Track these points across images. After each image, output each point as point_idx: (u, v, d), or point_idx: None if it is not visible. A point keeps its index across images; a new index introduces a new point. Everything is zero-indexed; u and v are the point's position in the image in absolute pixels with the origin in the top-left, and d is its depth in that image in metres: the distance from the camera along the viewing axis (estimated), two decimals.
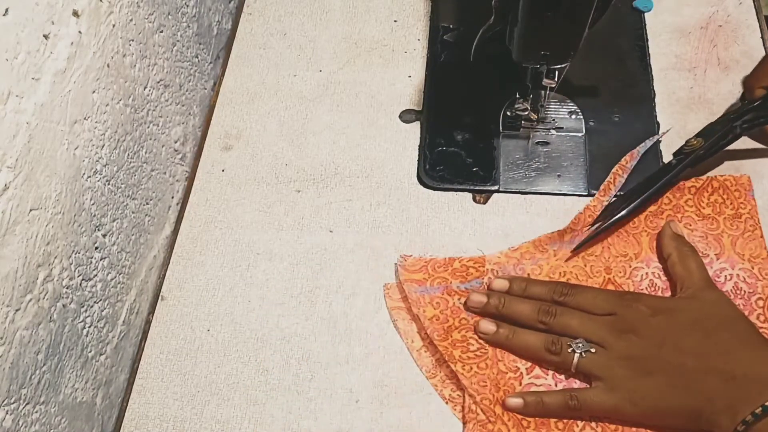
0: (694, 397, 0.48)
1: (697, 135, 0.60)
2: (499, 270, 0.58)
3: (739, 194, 0.59)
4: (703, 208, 0.59)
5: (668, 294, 0.56)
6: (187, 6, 0.67)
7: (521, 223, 0.61)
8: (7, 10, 0.42)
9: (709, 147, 0.59)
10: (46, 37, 0.46)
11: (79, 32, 0.50)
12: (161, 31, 0.62)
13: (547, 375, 0.54)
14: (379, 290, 0.59)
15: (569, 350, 0.52)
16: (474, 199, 0.63)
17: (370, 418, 0.54)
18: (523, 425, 0.52)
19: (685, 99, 0.67)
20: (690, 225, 0.59)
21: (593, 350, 0.51)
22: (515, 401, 0.52)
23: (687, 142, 0.60)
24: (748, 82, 0.61)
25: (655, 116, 0.66)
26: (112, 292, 0.57)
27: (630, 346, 0.50)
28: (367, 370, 0.56)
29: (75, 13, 0.49)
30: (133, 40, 0.57)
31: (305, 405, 0.55)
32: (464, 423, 0.52)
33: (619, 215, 0.58)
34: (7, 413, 0.45)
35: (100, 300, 0.56)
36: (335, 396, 0.55)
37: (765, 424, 0.45)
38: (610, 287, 0.57)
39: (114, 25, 0.54)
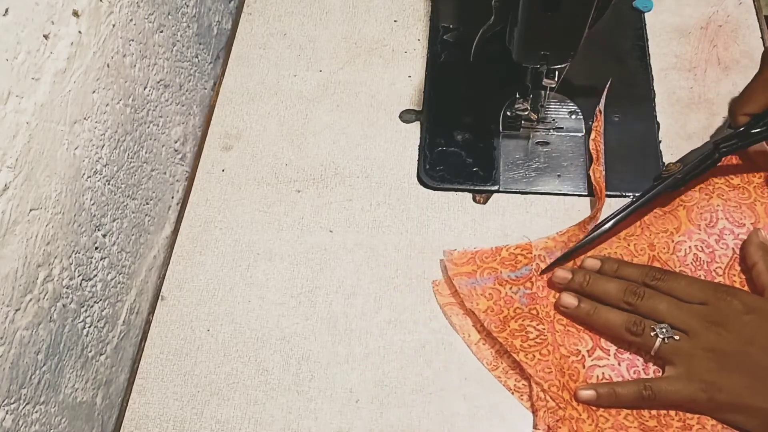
0: None
1: (678, 161, 0.60)
2: (547, 255, 0.58)
3: (766, 161, 0.59)
4: (732, 178, 0.60)
5: (714, 266, 0.56)
6: (187, 6, 0.67)
7: (521, 223, 0.61)
8: (7, 10, 0.42)
9: (688, 171, 0.58)
10: (46, 37, 0.46)
11: (79, 32, 0.50)
12: (161, 31, 0.62)
13: (609, 355, 0.54)
14: (379, 290, 0.59)
15: (652, 333, 0.51)
16: (474, 199, 0.63)
17: (370, 418, 0.54)
18: (593, 409, 0.52)
19: (685, 99, 0.67)
20: (723, 195, 0.59)
21: (677, 337, 0.51)
22: (588, 393, 0.52)
23: (666, 166, 0.60)
24: (732, 109, 0.61)
25: (655, 116, 0.66)
26: (112, 292, 0.57)
27: (718, 339, 0.50)
28: (367, 370, 0.56)
29: (75, 13, 0.49)
30: (133, 40, 0.57)
31: (305, 405, 0.55)
32: (534, 411, 0.52)
33: (591, 235, 0.58)
34: (7, 413, 0.45)
35: (100, 300, 0.56)
36: (335, 396, 0.55)
37: None
38: (657, 264, 0.57)
39: (114, 25, 0.54)
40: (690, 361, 0.50)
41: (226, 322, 0.59)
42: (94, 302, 0.55)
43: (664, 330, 0.51)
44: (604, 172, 0.61)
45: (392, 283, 0.60)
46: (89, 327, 0.54)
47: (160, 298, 0.60)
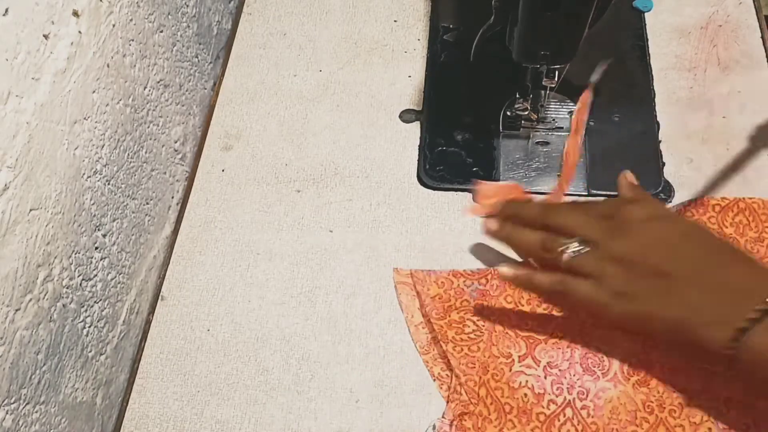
0: (681, 307, 0.47)
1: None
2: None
3: (766, 218, 0.59)
4: (726, 227, 0.59)
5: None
6: (187, 6, 0.67)
7: None
8: (7, 10, 0.42)
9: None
10: (46, 37, 0.46)
11: (79, 32, 0.50)
12: (161, 31, 0.62)
13: (539, 367, 0.54)
14: (379, 290, 0.59)
15: (560, 249, 0.51)
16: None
17: (370, 418, 0.54)
18: (505, 410, 0.52)
19: (685, 99, 0.67)
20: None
21: (584, 250, 0.50)
22: (507, 270, 0.53)
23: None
24: None
25: (655, 116, 0.66)
26: (112, 292, 0.57)
27: (622, 247, 0.49)
28: (367, 370, 0.56)
29: (75, 13, 0.49)
30: (133, 40, 0.57)
31: (305, 405, 0.55)
32: (447, 401, 0.53)
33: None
34: (7, 413, 0.45)
35: (100, 300, 0.56)
36: (335, 396, 0.55)
37: (762, 329, 0.44)
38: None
39: (114, 25, 0.54)
40: (600, 270, 0.50)
41: (226, 322, 0.59)
42: (94, 302, 0.55)
43: (574, 245, 0.51)
44: (580, 144, 0.59)
45: (392, 283, 0.60)
46: (89, 327, 0.54)
47: (160, 298, 0.60)
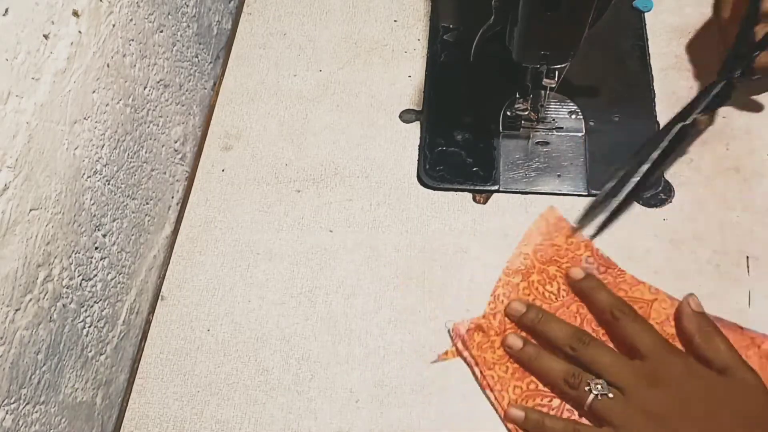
0: None
1: (701, 111, 0.60)
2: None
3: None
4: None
5: None
6: (187, 6, 0.67)
7: (521, 223, 0.61)
8: (7, 10, 0.42)
9: (709, 105, 0.59)
10: (46, 37, 0.46)
11: (79, 32, 0.50)
12: (161, 31, 0.62)
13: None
14: (379, 290, 0.59)
15: (586, 388, 0.50)
16: (474, 199, 0.63)
17: (370, 418, 0.54)
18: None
19: (685, 99, 0.66)
20: None
21: (611, 395, 0.49)
22: (517, 413, 0.52)
23: (697, 121, 0.60)
24: (721, 20, 0.61)
25: (655, 116, 0.66)
26: (112, 292, 0.57)
27: (653, 401, 0.48)
28: (367, 370, 0.56)
29: (75, 13, 0.49)
30: (133, 40, 0.57)
31: (305, 405, 0.55)
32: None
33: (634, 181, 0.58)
34: (7, 413, 0.45)
35: (100, 300, 0.56)
36: (335, 396, 0.55)
37: None
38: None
39: (114, 25, 0.54)
40: (624, 421, 0.48)
41: (226, 322, 0.59)
42: (94, 302, 0.55)
43: (599, 386, 0.50)
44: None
45: (392, 283, 0.60)
46: (89, 327, 0.54)
47: (160, 298, 0.60)
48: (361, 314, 0.58)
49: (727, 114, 0.66)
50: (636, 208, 0.61)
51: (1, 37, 0.42)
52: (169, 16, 0.63)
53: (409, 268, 0.60)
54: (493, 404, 0.54)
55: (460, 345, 0.56)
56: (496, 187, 0.63)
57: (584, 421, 0.52)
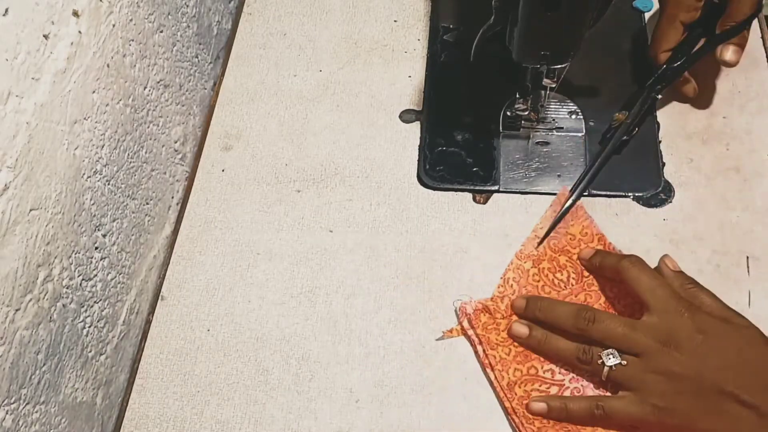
0: (724, 426, 0.48)
1: (621, 109, 0.64)
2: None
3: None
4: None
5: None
6: (187, 6, 0.67)
7: (521, 223, 0.61)
8: (7, 10, 0.42)
9: (635, 115, 0.63)
10: (46, 37, 0.46)
11: (79, 32, 0.50)
12: (161, 31, 0.62)
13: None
14: (379, 290, 0.59)
15: (599, 361, 0.51)
16: (474, 199, 0.63)
17: (370, 418, 0.54)
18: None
19: (685, 99, 0.67)
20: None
21: (624, 362, 0.50)
22: (539, 405, 0.52)
23: (612, 117, 0.64)
24: (651, 52, 0.64)
25: (655, 116, 0.66)
26: (112, 292, 0.57)
27: (670, 361, 0.49)
28: (367, 370, 0.56)
29: (75, 13, 0.49)
30: (133, 40, 0.57)
31: (305, 405, 0.55)
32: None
33: (568, 203, 0.60)
34: (7, 413, 0.45)
35: (100, 300, 0.56)
36: (335, 396, 0.55)
37: None
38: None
39: (114, 25, 0.54)
40: (641, 385, 0.50)
41: (226, 322, 0.59)
42: (94, 302, 0.55)
43: (611, 357, 0.51)
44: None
45: (392, 283, 0.60)
46: (89, 327, 0.54)
47: (160, 298, 0.60)
48: (361, 314, 0.58)
49: (727, 114, 0.66)
50: (636, 208, 0.62)
51: (1, 37, 0.42)
52: (169, 16, 0.63)
53: (409, 268, 0.60)
54: (492, 383, 0.55)
55: (465, 323, 0.56)
56: (496, 187, 0.63)
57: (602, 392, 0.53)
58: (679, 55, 0.63)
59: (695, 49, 0.62)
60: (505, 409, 0.53)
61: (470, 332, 0.56)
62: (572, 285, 0.58)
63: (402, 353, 0.57)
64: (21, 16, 0.44)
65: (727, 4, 0.59)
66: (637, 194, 0.62)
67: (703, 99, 0.66)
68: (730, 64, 0.60)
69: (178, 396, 0.56)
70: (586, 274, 0.58)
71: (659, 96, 0.63)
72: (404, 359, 0.56)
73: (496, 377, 0.54)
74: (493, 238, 0.61)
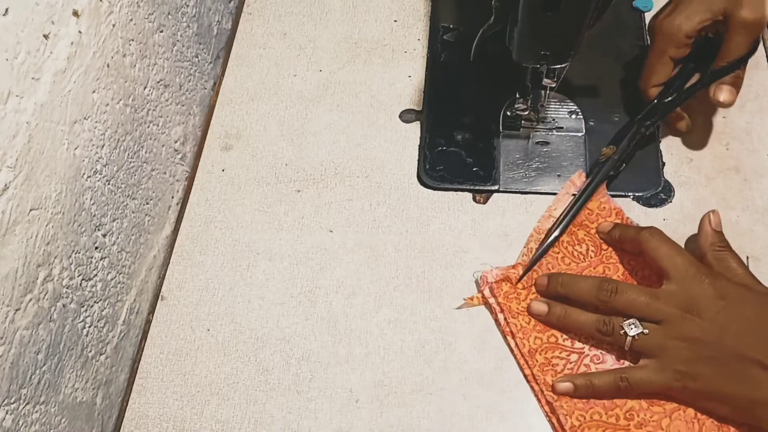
0: (745, 390, 0.49)
1: (609, 143, 0.62)
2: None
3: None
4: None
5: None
6: (187, 6, 0.67)
7: (521, 223, 0.61)
8: (7, 10, 0.42)
9: (622, 151, 0.61)
10: (46, 37, 0.46)
11: (79, 32, 0.50)
12: (161, 31, 0.62)
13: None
14: (379, 290, 0.59)
15: (621, 332, 0.52)
16: (474, 199, 0.63)
17: (370, 418, 0.54)
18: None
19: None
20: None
21: (646, 331, 0.51)
22: (565, 385, 0.53)
23: (601, 152, 0.62)
24: (641, 86, 0.63)
25: None
26: (112, 292, 0.57)
27: (692, 327, 0.50)
28: (367, 370, 0.56)
29: (75, 13, 0.49)
30: (133, 40, 0.57)
31: (305, 405, 0.55)
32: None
33: (553, 236, 0.59)
34: (7, 413, 0.45)
35: (100, 300, 0.56)
36: (335, 396, 0.55)
37: None
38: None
39: (114, 25, 0.54)
40: (663, 352, 0.50)
41: (226, 322, 0.59)
42: (94, 302, 0.55)
43: (632, 327, 0.51)
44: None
45: (392, 283, 0.60)
46: (89, 327, 0.54)
47: (160, 298, 0.60)
48: (361, 314, 0.58)
49: (727, 114, 0.66)
50: (636, 208, 0.62)
51: (1, 37, 0.42)
52: (169, 16, 0.63)
53: (409, 268, 0.60)
54: (512, 350, 0.56)
55: (486, 292, 0.57)
56: (496, 187, 0.63)
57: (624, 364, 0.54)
58: (671, 90, 0.61)
59: (688, 85, 0.61)
60: (525, 376, 0.55)
61: (491, 300, 0.57)
62: (591, 257, 0.58)
63: (402, 353, 0.57)
64: (21, 16, 0.44)
65: (721, 41, 0.58)
66: (637, 194, 0.62)
67: (702, 99, 0.66)
68: (725, 105, 0.59)
69: (178, 396, 0.56)
70: (604, 246, 0.59)
71: (648, 132, 0.62)
72: (404, 359, 0.56)
73: (517, 344, 0.55)
74: (493, 238, 0.61)
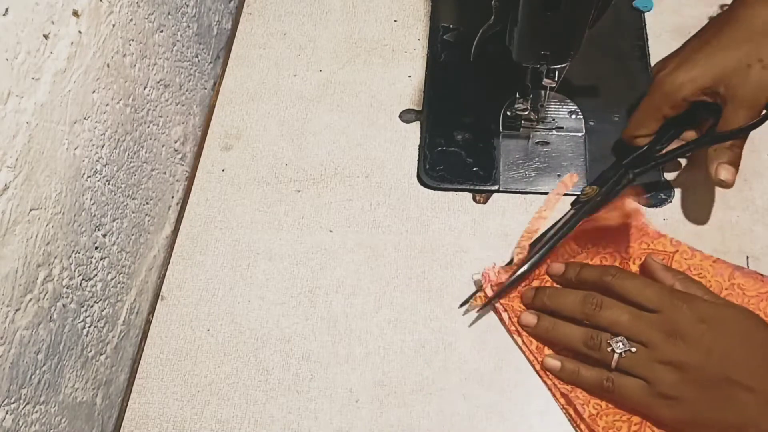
0: (737, 415, 0.48)
1: (592, 183, 0.61)
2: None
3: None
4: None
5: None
6: (187, 6, 0.67)
7: (521, 223, 0.61)
8: (7, 10, 0.42)
9: (606, 193, 0.59)
10: (46, 37, 0.46)
11: (79, 32, 0.50)
12: (161, 31, 0.62)
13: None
14: (379, 290, 0.59)
15: (608, 349, 0.51)
16: (474, 199, 0.63)
17: (370, 418, 0.54)
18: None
19: None
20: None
21: (634, 349, 0.51)
22: (553, 363, 0.54)
23: (582, 190, 0.61)
24: (626, 135, 0.61)
25: None
26: (112, 292, 0.57)
27: (676, 351, 0.50)
28: (367, 370, 0.56)
29: (75, 13, 0.49)
30: (133, 40, 0.57)
31: (305, 405, 0.55)
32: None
33: (523, 269, 0.58)
34: (7, 413, 0.45)
35: (100, 300, 0.56)
36: (335, 396, 0.55)
37: None
38: None
39: (114, 25, 0.54)
40: (651, 373, 0.50)
41: (226, 322, 0.59)
42: (94, 302, 0.55)
43: (620, 344, 0.51)
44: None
45: (392, 283, 0.60)
46: (89, 327, 0.54)
47: (160, 298, 0.60)
48: (361, 314, 0.58)
49: None
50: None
51: (1, 37, 0.42)
52: (169, 16, 0.63)
53: (409, 268, 0.60)
54: (520, 347, 0.56)
55: (489, 290, 0.57)
56: (496, 187, 0.63)
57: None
58: (663, 140, 0.60)
59: (680, 143, 0.60)
60: (537, 372, 0.55)
61: (494, 300, 0.57)
62: (588, 247, 0.59)
63: (402, 353, 0.57)
64: (21, 16, 0.44)
65: (720, 107, 0.56)
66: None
67: None
68: (726, 185, 0.56)
69: (178, 396, 0.56)
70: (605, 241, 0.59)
71: (634, 181, 0.60)
72: (404, 359, 0.56)
73: (524, 341, 0.56)
74: (493, 238, 0.61)
